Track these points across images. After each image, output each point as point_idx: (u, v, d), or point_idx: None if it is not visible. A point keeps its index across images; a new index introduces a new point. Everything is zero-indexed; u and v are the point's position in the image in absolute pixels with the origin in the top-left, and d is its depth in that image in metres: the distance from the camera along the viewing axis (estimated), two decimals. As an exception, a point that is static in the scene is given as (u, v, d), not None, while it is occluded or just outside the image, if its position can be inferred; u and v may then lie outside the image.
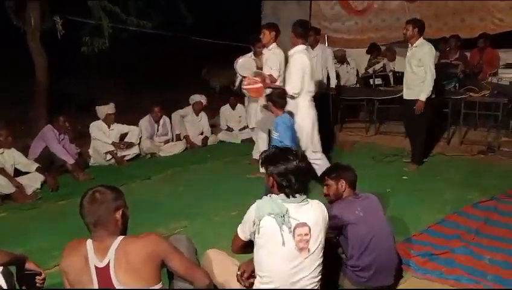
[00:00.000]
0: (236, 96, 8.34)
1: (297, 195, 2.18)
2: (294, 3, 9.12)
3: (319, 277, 2.27)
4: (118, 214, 1.97)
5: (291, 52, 4.58)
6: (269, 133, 5.24)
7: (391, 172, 5.44)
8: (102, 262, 1.90)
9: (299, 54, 4.54)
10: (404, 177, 5.23)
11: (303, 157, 2.26)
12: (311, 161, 4.64)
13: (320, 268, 2.26)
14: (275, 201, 2.16)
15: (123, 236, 1.98)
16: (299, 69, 4.48)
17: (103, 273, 1.89)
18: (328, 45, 6.81)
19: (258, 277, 2.27)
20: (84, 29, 7.54)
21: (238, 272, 2.39)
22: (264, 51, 5.26)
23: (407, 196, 4.60)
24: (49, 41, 7.03)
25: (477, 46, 7.10)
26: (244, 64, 5.25)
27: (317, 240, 2.19)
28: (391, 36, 8.03)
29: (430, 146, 6.05)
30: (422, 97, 5.16)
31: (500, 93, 6.12)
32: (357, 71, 8.07)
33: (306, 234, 2.14)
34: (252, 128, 5.91)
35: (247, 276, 2.36)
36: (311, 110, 4.68)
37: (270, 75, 4.95)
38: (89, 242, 1.95)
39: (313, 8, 8.84)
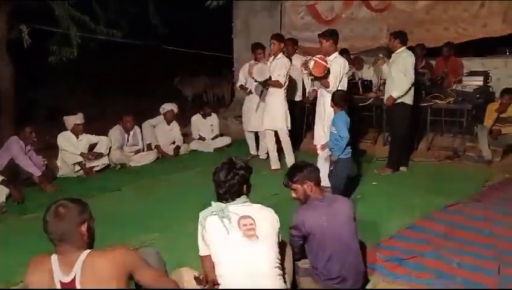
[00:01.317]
0: (209, 106, 8.35)
1: (229, 199, 2.39)
2: (265, 13, 9.21)
3: (278, 265, 2.33)
4: (83, 228, 1.93)
5: (330, 58, 4.97)
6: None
7: (360, 178, 5.51)
8: (68, 277, 1.86)
9: (340, 58, 5.00)
10: (373, 183, 5.31)
11: (245, 168, 2.44)
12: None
13: (279, 259, 2.35)
14: (216, 203, 2.40)
15: (90, 250, 1.94)
16: (338, 71, 4.91)
17: (69, 288, 1.84)
18: (298, 54, 6.88)
19: (218, 279, 2.30)
20: (51, 38, 7.40)
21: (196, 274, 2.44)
22: (271, 59, 5.78)
23: (376, 202, 4.67)
24: (15, 51, 6.87)
25: (442, 55, 7.32)
26: (260, 71, 5.61)
27: (265, 232, 2.31)
28: (359, 45, 8.19)
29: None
30: (394, 94, 5.44)
31: (464, 100, 6.32)
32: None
33: (251, 224, 2.30)
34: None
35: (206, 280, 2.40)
36: None
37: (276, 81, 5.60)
38: (54, 257, 1.90)
39: (284, 17, 8.94)
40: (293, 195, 2.89)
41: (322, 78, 4.85)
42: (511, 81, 7.18)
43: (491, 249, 3.47)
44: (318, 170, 2.93)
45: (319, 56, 4.83)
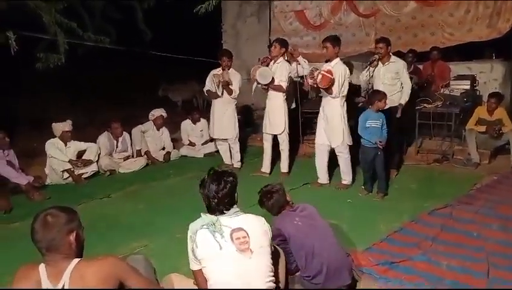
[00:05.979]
0: (199, 111, 8.31)
1: (224, 210, 2.33)
2: (254, 19, 9.25)
3: (272, 278, 2.30)
4: (72, 237, 1.91)
5: (332, 64, 5.06)
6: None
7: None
8: (56, 287, 1.83)
9: (341, 65, 5.08)
10: (362, 187, 5.30)
11: (233, 175, 2.43)
12: (337, 152, 5.27)
13: (272, 271, 2.32)
14: (205, 215, 2.35)
15: (78, 259, 1.92)
16: (339, 78, 4.99)
17: (57, 298, 1.82)
18: (287, 59, 6.89)
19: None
20: (39, 45, 7.33)
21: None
22: (271, 63, 5.72)
23: (366, 206, 4.70)
24: (1, 57, 6.78)
25: (430, 59, 7.39)
26: (262, 73, 5.55)
27: (259, 244, 2.28)
28: (347, 50, 8.21)
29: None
30: (403, 101, 5.55)
31: (452, 104, 6.39)
32: (316, 84, 8.20)
33: (244, 237, 2.26)
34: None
35: None
36: (344, 109, 5.18)
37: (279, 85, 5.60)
38: (42, 267, 1.87)
39: (273, 23, 8.98)
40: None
41: (328, 88, 4.99)
42: (496, 85, 7.30)
43: (480, 252, 3.50)
44: (283, 191, 3.07)
45: (325, 69, 4.94)
